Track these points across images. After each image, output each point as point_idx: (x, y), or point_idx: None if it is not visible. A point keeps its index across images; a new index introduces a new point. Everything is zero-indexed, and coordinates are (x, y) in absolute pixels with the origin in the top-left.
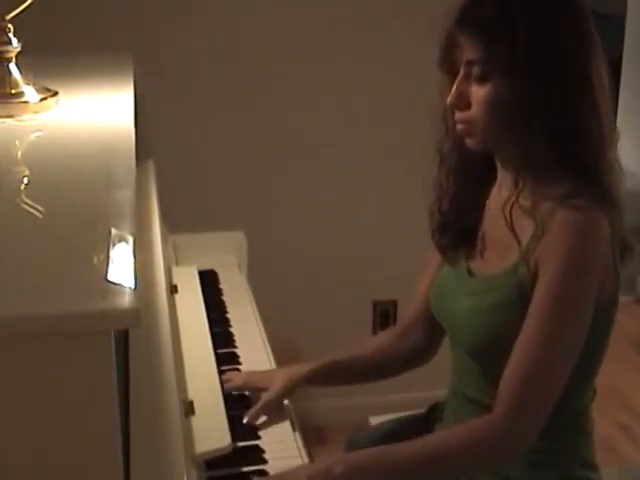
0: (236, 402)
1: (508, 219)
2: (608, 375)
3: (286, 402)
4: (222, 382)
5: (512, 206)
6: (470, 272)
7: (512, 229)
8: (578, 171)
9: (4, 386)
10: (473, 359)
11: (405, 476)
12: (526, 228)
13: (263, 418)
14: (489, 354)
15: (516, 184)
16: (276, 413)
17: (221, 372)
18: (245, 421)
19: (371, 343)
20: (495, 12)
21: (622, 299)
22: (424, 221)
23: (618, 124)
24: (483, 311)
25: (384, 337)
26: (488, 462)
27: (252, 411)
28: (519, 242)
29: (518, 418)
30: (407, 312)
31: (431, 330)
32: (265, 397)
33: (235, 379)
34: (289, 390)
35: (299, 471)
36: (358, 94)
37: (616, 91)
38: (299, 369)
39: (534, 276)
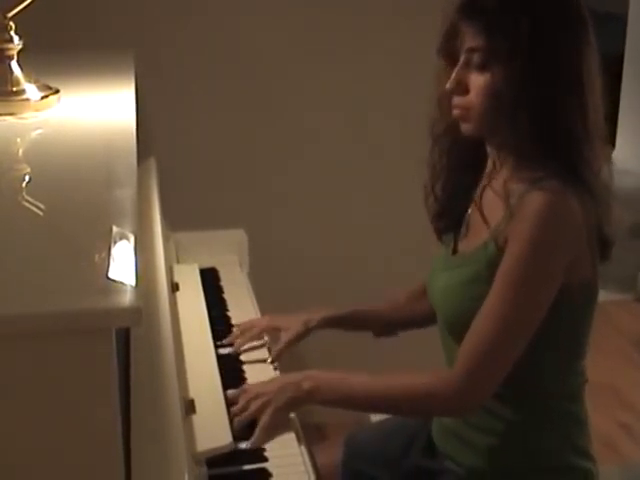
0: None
1: (478, 201)
2: (608, 373)
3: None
4: (223, 379)
5: (484, 188)
6: (455, 252)
7: (480, 209)
8: (562, 163)
9: (5, 384)
10: (451, 335)
11: (359, 407)
12: (498, 209)
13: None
14: (462, 328)
15: (495, 166)
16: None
17: (222, 371)
18: (269, 360)
19: (388, 297)
20: (500, 2)
21: (622, 297)
22: (425, 219)
23: (619, 123)
24: (455, 285)
25: (402, 294)
26: (436, 413)
27: (275, 350)
28: (486, 222)
29: (470, 380)
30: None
31: None
32: (285, 336)
33: (258, 322)
34: (306, 332)
35: (273, 382)
36: (359, 94)
37: (617, 90)
38: (319, 314)
39: (501, 253)
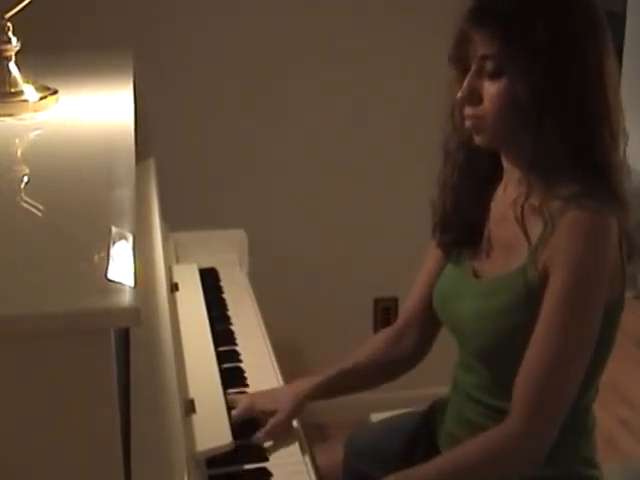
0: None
1: (519, 217)
2: (609, 370)
3: (295, 424)
4: (226, 392)
5: (523, 204)
6: (476, 273)
7: (524, 227)
8: (588, 170)
9: (4, 384)
10: (480, 361)
11: None
12: (534, 228)
13: (270, 442)
14: (496, 356)
15: (527, 182)
16: (285, 435)
17: (222, 371)
18: (254, 442)
19: (368, 347)
20: (514, 7)
21: None
22: (425, 219)
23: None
24: (490, 314)
25: (381, 339)
26: (517, 464)
27: (260, 433)
28: (529, 241)
29: (536, 422)
30: (404, 311)
31: (428, 328)
32: (273, 420)
33: (240, 404)
34: (297, 409)
35: None
36: (360, 94)
37: None
38: (304, 385)
39: (543, 278)
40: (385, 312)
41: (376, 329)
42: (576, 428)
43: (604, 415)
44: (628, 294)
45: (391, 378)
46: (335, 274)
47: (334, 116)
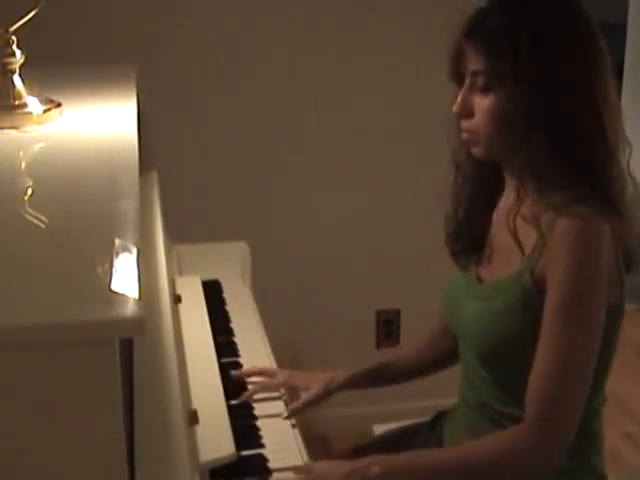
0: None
1: (512, 228)
2: (613, 383)
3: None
4: (228, 387)
5: (515, 215)
6: (479, 278)
7: (516, 238)
8: (582, 182)
9: (8, 395)
10: (482, 364)
11: None
12: (529, 236)
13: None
14: (497, 358)
15: (518, 193)
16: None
17: (224, 381)
18: (284, 416)
19: (413, 341)
20: (499, 25)
21: (627, 307)
22: (428, 231)
23: None
24: (489, 315)
25: (427, 332)
26: (522, 471)
27: (292, 407)
28: (523, 251)
29: (548, 426)
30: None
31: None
32: (305, 396)
33: (278, 376)
34: (329, 392)
35: (340, 466)
36: (363, 105)
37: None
38: (340, 373)
39: (538, 284)
40: (387, 324)
41: (378, 342)
42: (585, 435)
43: (608, 429)
44: (632, 306)
45: (433, 370)
46: (337, 286)
47: (337, 129)
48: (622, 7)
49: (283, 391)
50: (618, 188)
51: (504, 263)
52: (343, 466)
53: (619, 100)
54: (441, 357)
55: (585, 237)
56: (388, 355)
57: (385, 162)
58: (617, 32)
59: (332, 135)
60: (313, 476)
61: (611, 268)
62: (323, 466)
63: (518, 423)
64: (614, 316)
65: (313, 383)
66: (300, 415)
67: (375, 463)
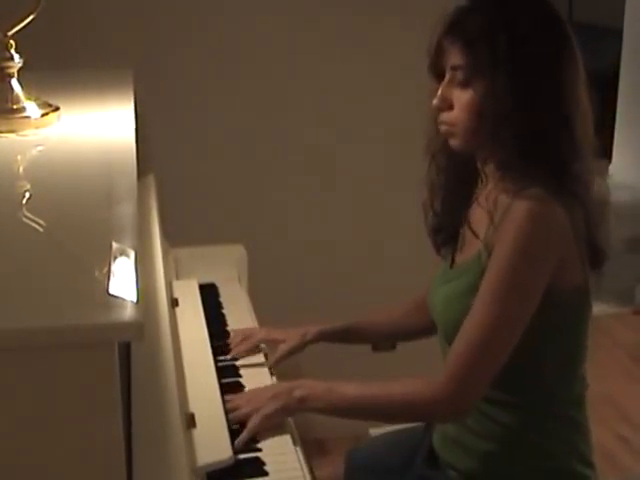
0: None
1: (468, 215)
2: (607, 386)
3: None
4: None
5: (473, 203)
6: (452, 265)
7: (469, 224)
8: (542, 174)
9: (7, 398)
10: (450, 345)
11: (351, 415)
12: (487, 221)
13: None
14: None
15: (481, 181)
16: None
17: (222, 386)
18: (268, 367)
19: (390, 313)
20: (479, 22)
21: (620, 310)
22: (426, 237)
23: (616, 136)
24: (454, 296)
25: (401, 306)
26: (428, 417)
27: (272, 359)
28: (476, 235)
29: (459, 384)
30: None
31: None
32: (284, 347)
33: (256, 332)
34: (304, 343)
35: (266, 389)
36: (363, 106)
37: (614, 103)
38: (312, 328)
39: None
40: None
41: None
42: (569, 422)
43: (602, 431)
44: (625, 309)
45: (403, 339)
46: (335, 290)
47: (335, 132)
48: (619, 11)
49: (263, 346)
50: (582, 184)
51: (470, 249)
52: (268, 389)
53: (613, 102)
54: (415, 330)
55: (534, 214)
56: (363, 319)
57: (385, 163)
58: (614, 35)
59: (332, 140)
60: (241, 401)
61: (567, 247)
62: (249, 392)
63: (504, 408)
64: (580, 299)
65: (290, 336)
66: (281, 365)
67: (298, 387)
